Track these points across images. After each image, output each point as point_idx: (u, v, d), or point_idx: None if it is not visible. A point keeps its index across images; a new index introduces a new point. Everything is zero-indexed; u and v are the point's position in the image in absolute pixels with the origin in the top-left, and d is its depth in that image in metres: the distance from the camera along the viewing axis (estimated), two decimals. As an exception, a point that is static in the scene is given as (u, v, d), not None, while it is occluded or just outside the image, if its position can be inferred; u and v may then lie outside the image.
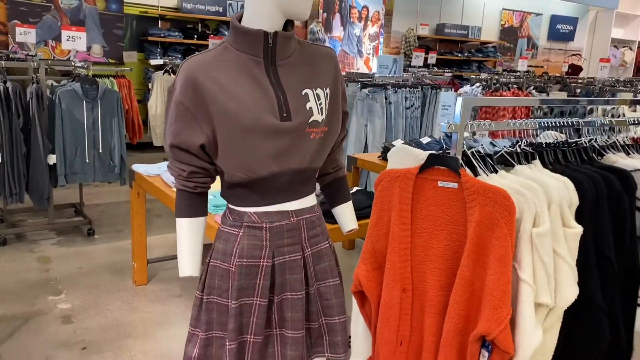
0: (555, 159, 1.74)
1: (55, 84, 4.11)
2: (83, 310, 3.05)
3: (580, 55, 12.65)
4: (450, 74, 6.96)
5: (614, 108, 4.57)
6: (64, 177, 3.94)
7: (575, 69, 10.63)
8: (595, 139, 1.90)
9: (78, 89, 3.91)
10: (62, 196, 4.85)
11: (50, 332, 2.80)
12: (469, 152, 1.60)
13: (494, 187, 1.46)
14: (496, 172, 1.60)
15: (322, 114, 1.33)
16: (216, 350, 1.37)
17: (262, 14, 1.26)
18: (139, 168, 3.17)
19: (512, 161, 1.65)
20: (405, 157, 1.67)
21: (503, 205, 1.44)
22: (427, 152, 1.59)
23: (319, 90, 1.32)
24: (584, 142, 1.87)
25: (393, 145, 2.98)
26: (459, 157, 1.56)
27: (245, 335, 1.35)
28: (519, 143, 1.72)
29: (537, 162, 1.67)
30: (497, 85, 6.09)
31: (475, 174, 1.57)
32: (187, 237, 1.38)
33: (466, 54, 10.95)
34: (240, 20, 1.31)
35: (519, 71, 8.24)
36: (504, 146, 1.71)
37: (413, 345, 1.64)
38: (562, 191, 1.53)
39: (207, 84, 1.25)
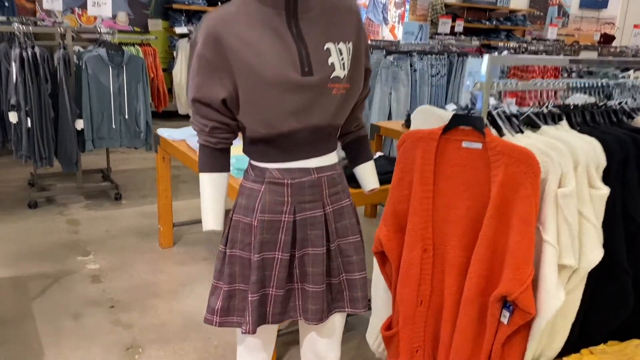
0: (583, 120, 1.70)
1: (81, 50, 4.15)
2: (111, 271, 3.14)
3: (614, 24, 12.22)
4: (478, 42, 6.80)
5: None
6: (92, 142, 4.02)
7: (607, 38, 10.29)
8: (626, 102, 1.85)
9: (104, 55, 3.94)
10: (90, 162, 4.94)
11: (80, 291, 2.89)
12: (494, 112, 1.57)
13: (519, 147, 1.43)
14: (522, 132, 1.57)
15: (344, 70, 1.31)
16: (239, 303, 1.40)
17: None
18: (163, 132, 3.20)
19: (538, 122, 1.62)
20: (429, 118, 1.66)
21: (528, 165, 1.42)
22: (451, 113, 1.57)
23: (341, 45, 1.31)
24: (614, 104, 1.82)
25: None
26: (484, 117, 1.53)
27: (267, 288, 1.38)
28: (546, 104, 1.68)
29: (564, 122, 1.64)
30: (525, 53, 5.95)
31: (501, 134, 1.55)
32: (210, 192, 1.39)
33: (494, 23, 10.67)
34: None
35: (549, 40, 8.02)
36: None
37: (433, 305, 1.65)
38: (588, 152, 1.50)
39: (229, 37, 1.25)
